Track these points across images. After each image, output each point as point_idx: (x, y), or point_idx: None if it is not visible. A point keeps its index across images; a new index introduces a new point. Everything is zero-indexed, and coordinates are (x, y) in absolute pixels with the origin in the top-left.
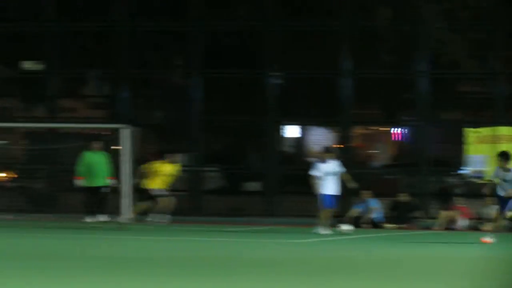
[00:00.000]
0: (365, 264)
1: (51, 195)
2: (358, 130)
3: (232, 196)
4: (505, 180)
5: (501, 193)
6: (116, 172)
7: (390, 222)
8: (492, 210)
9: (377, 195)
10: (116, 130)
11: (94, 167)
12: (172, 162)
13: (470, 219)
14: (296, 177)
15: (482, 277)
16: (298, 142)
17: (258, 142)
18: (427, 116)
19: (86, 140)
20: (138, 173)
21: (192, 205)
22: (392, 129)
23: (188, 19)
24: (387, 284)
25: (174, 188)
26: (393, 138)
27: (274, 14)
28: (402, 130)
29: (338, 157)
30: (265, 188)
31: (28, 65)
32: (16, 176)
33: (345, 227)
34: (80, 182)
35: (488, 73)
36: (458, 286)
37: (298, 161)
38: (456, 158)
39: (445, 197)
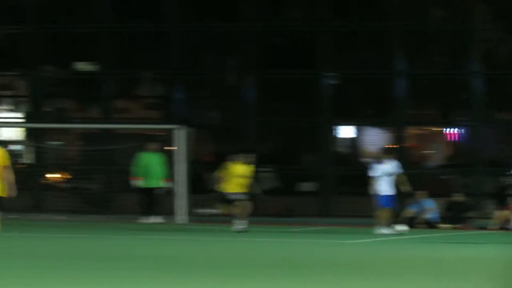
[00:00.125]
0: (420, 265)
1: (105, 196)
2: (412, 131)
3: (286, 196)
4: None
5: None
6: (170, 173)
7: (445, 222)
8: None
9: (432, 195)
10: (170, 131)
11: (150, 168)
12: (246, 163)
13: None
14: (350, 177)
15: None
16: (352, 143)
17: (312, 143)
18: (481, 116)
19: (141, 141)
20: (215, 178)
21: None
22: (447, 129)
23: (242, 20)
24: (442, 284)
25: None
26: (447, 139)
27: (328, 14)
28: (457, 130)
29: (396, 158)
30: (319, 188)
31: (82, 66)
32: (70, 177)
33: (400, 228)
34: (136, 182)
35: None
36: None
37: (353, 161)
38: (511, 158)
39: (500, 197)
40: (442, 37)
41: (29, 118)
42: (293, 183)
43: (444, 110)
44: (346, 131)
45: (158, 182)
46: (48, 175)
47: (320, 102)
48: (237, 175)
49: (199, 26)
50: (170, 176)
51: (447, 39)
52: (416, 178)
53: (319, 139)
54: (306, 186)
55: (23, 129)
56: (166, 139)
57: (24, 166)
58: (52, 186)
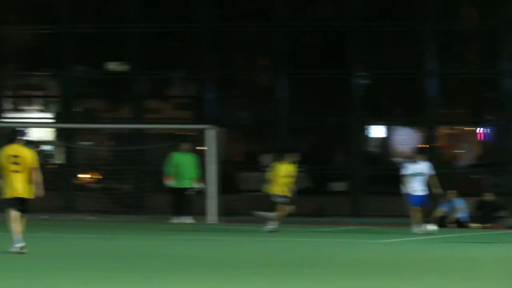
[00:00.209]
0: (449, 264)
1: (136, 196)
2: (443, 130)
3: (318, 196)
4: None
5: None
6: (202, 174)
7: (475, 222)
8: None
9: (462, 194)
10: (201, 131)
11: (182, 168)
12: (290, 162)
13: None
14: (381, 177)
15: None
16: (383, 142)
17: (343, 142)
18: None
19: (172, 141)
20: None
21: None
22: (478, 128)
23: (274, 20)
24: (472, 284)
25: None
26: (478, 138)
27: (360, 14)
28: (488, 129)
29: (428, 159)
30: (350, 188)
31: (113, 66)
32: (101, 177)
33: (430, 227)
34: (169, 182)
35: None
36: None
37: (384, 161)
38: None
39: None
40: (473, 36)
41: (59, 118)
42: (325, 183)
43: (475, 109)
44: (377, 131)
45: (190, 182)
46: (78, 176)
47: (351, 101)
48: (282, 175)
49: (231, 26)
50: (201, 176)
51: (479, 38)
52: (447, 177)
53: (350, 138)
54: (338, 186)
55: (53, 129)
56: (197, 139)
57: (55, 166)
58: (83, 186)
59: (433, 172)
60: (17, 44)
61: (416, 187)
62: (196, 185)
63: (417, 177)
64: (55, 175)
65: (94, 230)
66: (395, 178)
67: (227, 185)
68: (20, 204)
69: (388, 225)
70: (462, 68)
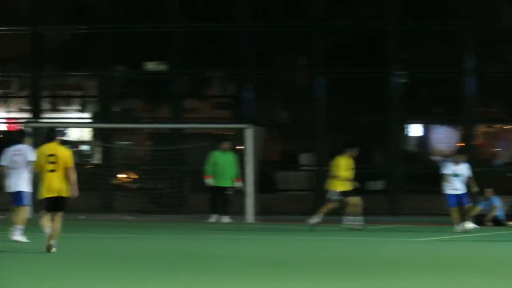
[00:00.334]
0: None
1: (173, 195)
2: (481, 128)
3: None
4: None
5: None
6: (241, 173)
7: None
8: None
9: (499, 193)
10: (239, 131)
11: (221, 167)
12: (351, 157)
13: None
14: (419, 175)
15: None
16: (421, 141)
17: (381, 141)
18: None
19: (210, 141)
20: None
21: (315, 204)
22: None
23: (311, 19)
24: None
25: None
26: None
27: (398, 13)
28: None
29: (468, 160)
30: (388, 186)
31: (152, 66)
32: (138, 177)
33: (467, 225)
34: (209, 181)
35: None
36: None
37: (422, 159)
38: None
39: None
40: (511, 35)
41: (98, 118)
42: (363, 182)
43: None
44: (415, 130)
45: (230, 181)
46: (116, 175)
47: (389, 100)
48: (344, 169)
49: (269, 25)
50: (240, 175)
51: None
52: (484, 176)
53: (388, 137)
54: (375, 185)
55: (92, 129)
56: (235, 138)
57: (93, 166)
58: (121, 186)
59: (471, 174)
60: (56, 44)
61: (456, 187)
62: (235, 184)
63: (457, 178)
64: (92, 175)
65: (132, 230)
66: (432, 177)
67: (264, 184)
68: (56, 202)
69: (425, 223)
70: (500, 67)
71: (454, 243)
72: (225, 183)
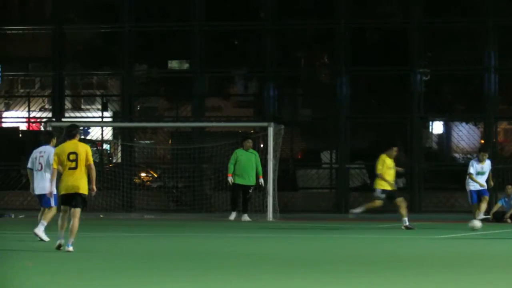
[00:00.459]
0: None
1: (194, 194)
2: (503, 126)
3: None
4: None
5: None
6: (263, 171)
7: None
8: None
9: None
10: (262, 129)
11: (244, 165)
12: (394, 156)
13: None
14: (441, 173)
15: None
16: (443, 138)
17: (404, 139)
18: None
19: (232, 139)
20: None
21: (336, 201)
22: None
23: (334, 17)
24: None
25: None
26: None
27: (421, 11)
28: None
29: (489, 156)
30: (409, 184)
31: (174, 64)
32: (159, 175)
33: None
34: (231, 179)
35: None
36: None
37: (444, 157)
38: None
39: None
40: None
41: (120, 117)
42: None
43: None
44: (437, 127)
45: (251, 179)
46: (138, 174)
47: (412, 98)
48: (388, 168)
49: (292, 24)
50: (262, 173)
51: None
52: (506, 172)
53: (410, 135)
54: (397, 182)
55: (114, 128)
56: (257, 136)
57: (114, 165)
58: (142, 185)
59: (491, 171)
60: (79, 43)
61: (479, 185)
62: (257, 181)
63: (481, 176)
64: (114, 174)
65: (152, 229)
66: (454, 174)
67: (286, 182)
68: (74, 199)
69: (447, 220)
70: None
71: (475, 240)
72: (248, 181)
